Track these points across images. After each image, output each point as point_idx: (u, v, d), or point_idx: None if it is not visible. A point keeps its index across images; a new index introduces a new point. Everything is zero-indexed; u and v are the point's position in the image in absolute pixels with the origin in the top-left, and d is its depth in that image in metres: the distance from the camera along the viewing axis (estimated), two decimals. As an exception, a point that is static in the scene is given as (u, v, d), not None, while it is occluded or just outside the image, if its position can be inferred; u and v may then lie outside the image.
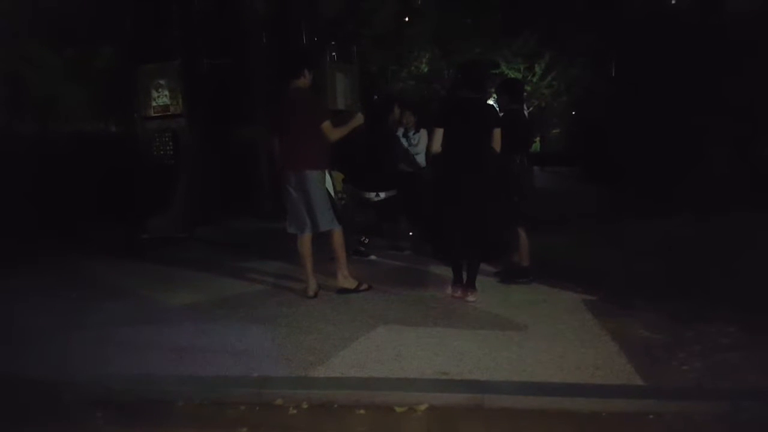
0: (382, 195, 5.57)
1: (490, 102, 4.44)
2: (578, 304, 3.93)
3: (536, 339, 3.27)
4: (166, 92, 7.88)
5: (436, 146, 3.98)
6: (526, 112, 4.89)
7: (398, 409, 2.58)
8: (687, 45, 8.71)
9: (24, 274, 5.10)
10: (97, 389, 2.82)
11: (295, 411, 2.60)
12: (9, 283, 4.82)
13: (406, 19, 16.68)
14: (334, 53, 10.98)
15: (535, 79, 18.95)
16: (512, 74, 18.04)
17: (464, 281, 4.13)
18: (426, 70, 16.90)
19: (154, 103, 7.90)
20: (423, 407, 2.58)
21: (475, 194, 3.93)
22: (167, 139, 7.78)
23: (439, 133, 3.96)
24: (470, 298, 4.06)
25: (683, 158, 8.07)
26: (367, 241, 5.70)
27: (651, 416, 2.47)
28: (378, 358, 3.04)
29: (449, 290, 4.18)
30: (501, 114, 4.28)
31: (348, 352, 3.15)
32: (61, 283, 4.86)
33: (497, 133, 3.98)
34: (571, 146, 19.05)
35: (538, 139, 23.27)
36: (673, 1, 11.41)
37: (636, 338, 3.26)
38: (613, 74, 13.19)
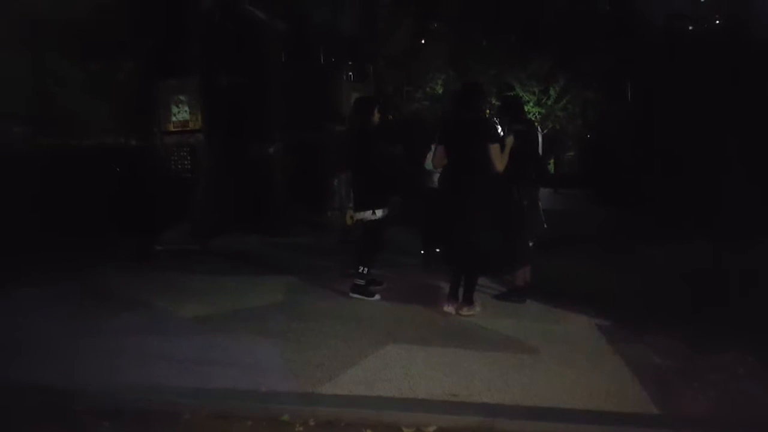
0: (379, 213, 4.62)
1: (494, 121, 4.49)
2: (591, 328, 3.88)
3: (548, 362, 3.22)
4: (186, 108, 8.05)
5: (434, 161, 4.39)
6: (539, 134, 4.86)
7: (406, 430, 2.54)
8: (705, 69, 8.69)
9: (39, 283, 5.15)
10: (106, 399, 2.82)
11: (301, 428, 2.58)
12: (23, 291, 4.86)
13: (422, 41, 16.91)
14: (350, 73, 11.15)
15: (549, 102, 18.98)
16: (527, 96, 18.10)
17: (460, 297, 4.15)
18: (441, 91, 17.03)
19: (173, 119, 8.08)
20: (431, 429, 2.54)
21: (466, 208, 4.01)
22: (185, 153, 7.93)
23: (438, 150, 4.30)
24: (464, 312, 4.07)
25: (699, 183, 7.98)
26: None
27: (665, 446, 2.41)
28: (387, 377, 3.01)
29: (443, 306, 4.18)
30: (503, 133, 4.28)
31: (356, 369, 3.12)
32: (74, 292, 4.89)
33: (494, 149, 4.00)
34: (586, 169, 18.97)
35: (552, 160, 23.18)
36: (691, 27, 11.45)
37: (650, 365, 3.20)
38: (629, 98, 13.19)
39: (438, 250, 5.34)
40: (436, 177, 5.77)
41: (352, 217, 5.50)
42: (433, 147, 6.09)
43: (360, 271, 4.63)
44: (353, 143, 4.71)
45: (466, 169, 4.09)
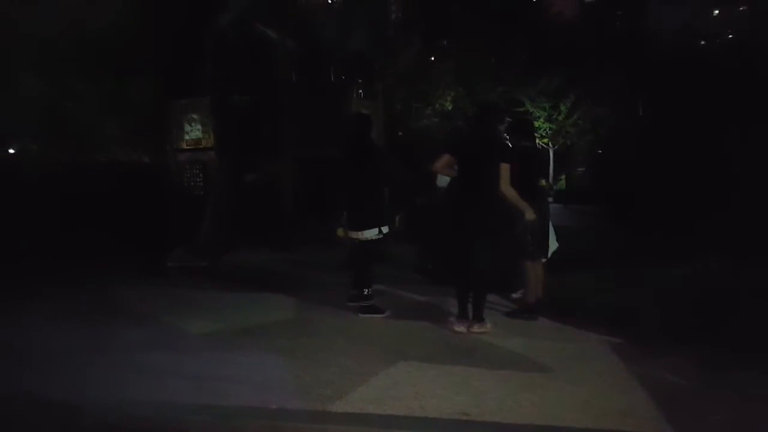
0: (384, 230, 4.55)
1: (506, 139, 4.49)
2: (604, 347, 3.82)
3: (560, 381, 3.17)
4: (199, 126, 8.20)
5: (436, 166, 4.31)
6: (551, 151, 4.89)
7: (416, 449, 2.51)
8: (717, 86, 8.67)
9: (49, 298, 5.20)
10: (115, 414, 2.82)
11: (311, 446, 2.56)
12: (34, 306, 4.90)
13: (432, 59, 17.08)
14: (360, 90, 11.28)
15: (560, 118, 19.00)
16: (537, 113, 18.14)
17: (470, 315, 4.11)
18: (450, 108, 17.13)
19: (186, 137, 8.22)
20: (442, 448, 2.51)
21: (472, 224, 4.00)
22: (197, 171, 8.04)
23: (444, 157, 4.25)
24: (475, 329, 4.04)
25: (711, 200, 7.91)
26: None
27: (682, 468, 2.36)
28: (396, 395, 2.98)
29: (453, 325, 4.13)
30: (512, 150, 4.28)
31: (366, 387, 3.10)
32: (85, 308, 4.93)
33: (504, 168, 4.00)
34: (596, 185, 18.92)
35: (563, 176, 23.13)
36: (702, 42, 11.45)
37: (664, 384, 3.13)
38: (640, 114, 13.17)
39: (446, 265, 5.30)
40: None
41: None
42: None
43: (365, 294, 4.62)
44: (352, 161, 4.64)
45: (475, 185, 4.09)
